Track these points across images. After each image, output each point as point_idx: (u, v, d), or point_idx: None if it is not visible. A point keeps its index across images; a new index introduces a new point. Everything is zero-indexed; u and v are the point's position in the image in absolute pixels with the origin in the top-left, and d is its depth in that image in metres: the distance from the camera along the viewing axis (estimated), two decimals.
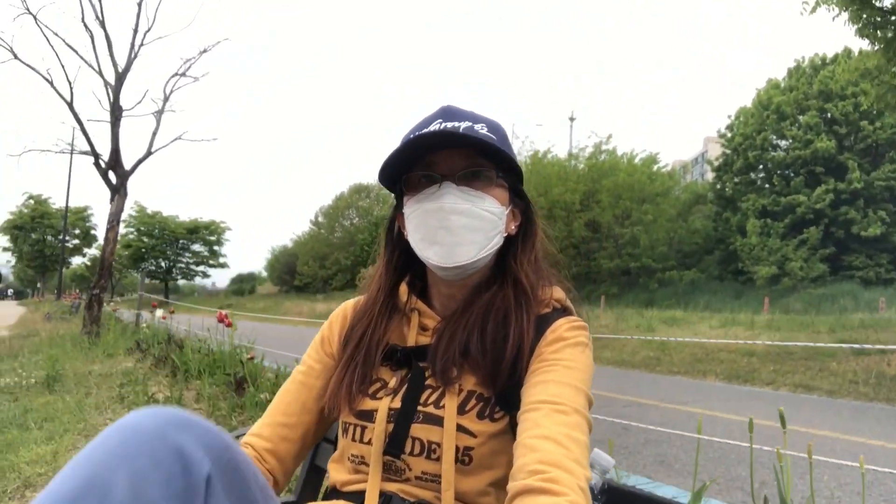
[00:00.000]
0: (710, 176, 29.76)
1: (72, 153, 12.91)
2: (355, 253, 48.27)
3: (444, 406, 0.95)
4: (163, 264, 53.43)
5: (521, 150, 30.73)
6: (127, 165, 10.51)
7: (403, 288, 1.09)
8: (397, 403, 0.98)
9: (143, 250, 50.64)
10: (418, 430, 0.95)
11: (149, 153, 10.81)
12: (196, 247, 54.72)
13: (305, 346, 1.17)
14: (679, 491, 3.87)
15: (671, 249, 24.69)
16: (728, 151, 25.71)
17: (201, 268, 56.13)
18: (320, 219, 54.71)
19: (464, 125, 0.97)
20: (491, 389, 0.96)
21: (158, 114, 10.98)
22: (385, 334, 1.06)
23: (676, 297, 21.63)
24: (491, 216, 0.98)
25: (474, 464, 0.94)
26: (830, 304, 17.73)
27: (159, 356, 8.30)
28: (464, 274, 0.99)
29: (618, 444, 4.94)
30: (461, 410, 0.95)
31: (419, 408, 0.97)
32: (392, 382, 1.01)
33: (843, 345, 9.67)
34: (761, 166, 24.45)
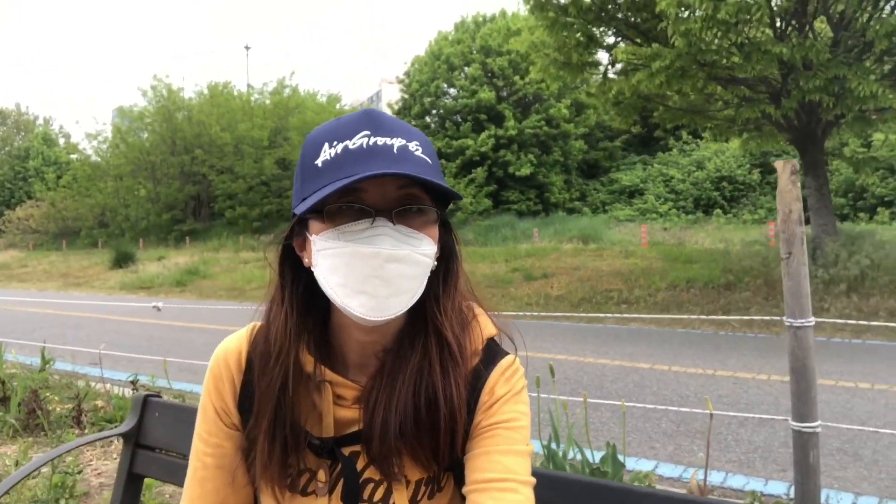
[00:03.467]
0: None
1: None
2: None
3: (393, 502, 0.90)
4: None
5: (199, 81, 28.93)
6: None
7: (303, 350, 0.90)
8: (338, 503, 0.90)
9: None
10: None
11: None
12: None
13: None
14: None
15: None
16: (406, 96, 27.60)
17: None
18: None
19: (398, 143, 0.81)
20: (435, 468, 0.91)
21: None
22: (299, 405, 0.90)
23: None
24: (427, 260, 0.84)
25: None
26: (495, 233, 20.82)
27: None
28: (385, 323, 0.83)
29: None
30: (413, 502, 0.90)
31: None
32: (321, 474, 0.91)
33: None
34: (435, 111, 26.87)
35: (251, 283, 14.83)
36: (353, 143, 0.80)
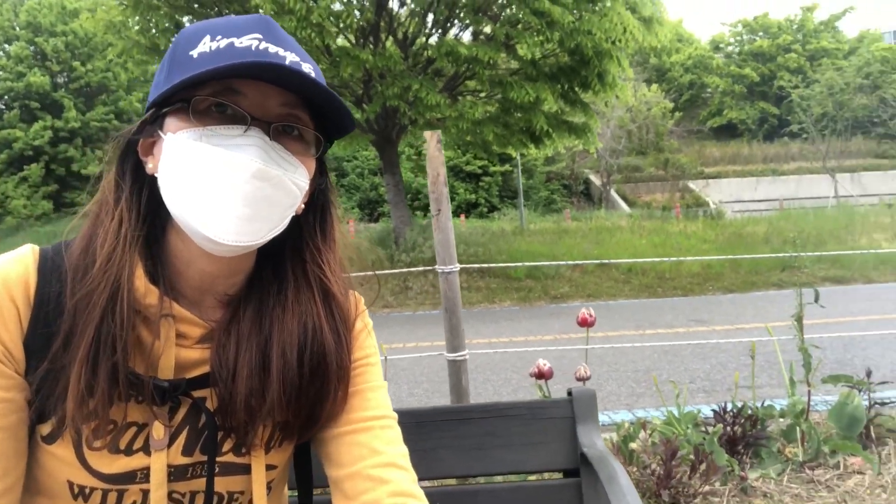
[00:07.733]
0: None
1: None
2: None
3: (246, 453, 0.79)
4: None
5: None
6: None
7: (140, 277, 0.73)
8: (178, 458, 0.76)
9: None
10: (217, 483, 0.79)
11: None
12: None
13: None
14: None
15: None
16: None
17: None
18: None
19: (290, 57, 0.71)
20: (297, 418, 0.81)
21: None
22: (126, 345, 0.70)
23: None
24: (297, 192, 0.74)
25: (274, 490, 0.86)
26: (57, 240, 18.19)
27: None
28: (235, 252, 0.72)
29: None
30: (268, 449, 0.81)
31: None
32: (158, 427, 0.74)
33: None
34: None
35: None
36: (241, 42, 0.69)
